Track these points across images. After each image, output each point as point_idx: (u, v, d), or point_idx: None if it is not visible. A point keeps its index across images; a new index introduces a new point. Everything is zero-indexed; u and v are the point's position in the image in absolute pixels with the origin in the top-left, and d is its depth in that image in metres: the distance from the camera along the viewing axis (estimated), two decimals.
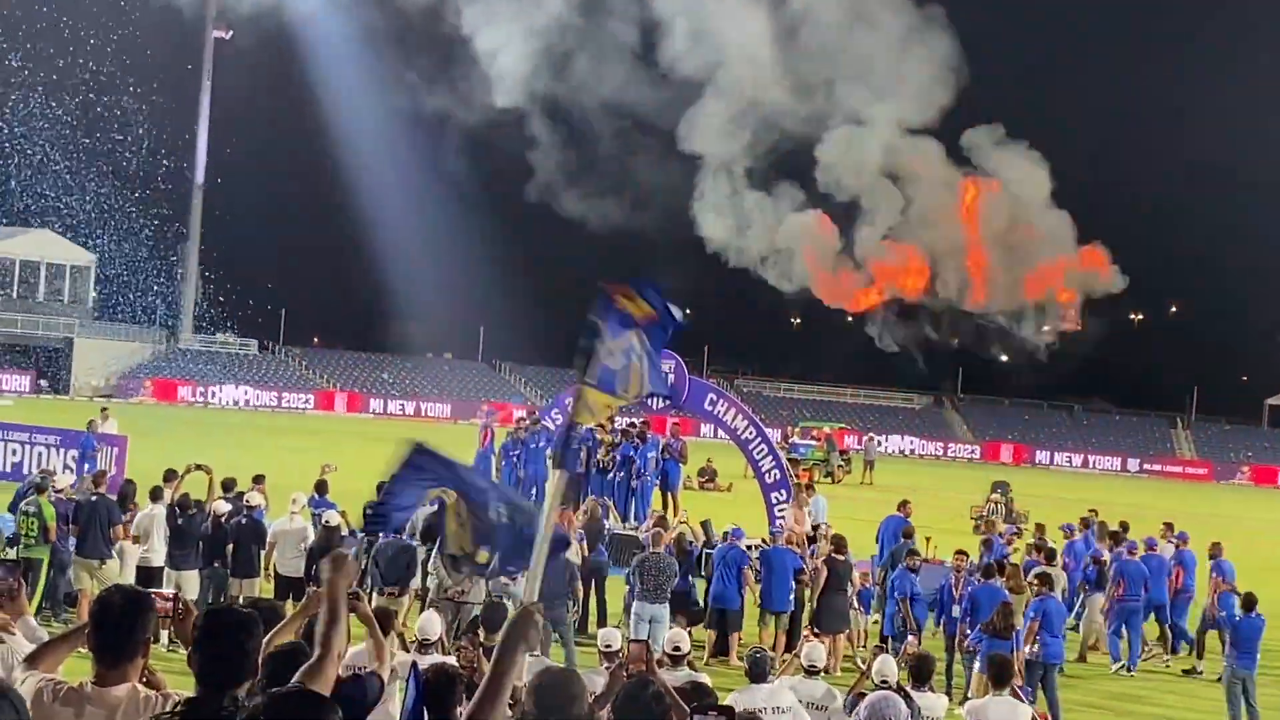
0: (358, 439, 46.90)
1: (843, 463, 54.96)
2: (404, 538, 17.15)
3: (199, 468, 19.05)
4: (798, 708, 11.14)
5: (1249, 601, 17.91)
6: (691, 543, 21.10)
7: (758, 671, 11.41)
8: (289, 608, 13.63)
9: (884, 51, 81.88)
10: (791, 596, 19.28)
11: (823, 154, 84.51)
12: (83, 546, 17.93)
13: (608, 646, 11.67)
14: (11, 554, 17.80)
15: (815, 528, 24.18)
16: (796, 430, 60.64)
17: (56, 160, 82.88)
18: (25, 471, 28.22)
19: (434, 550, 17.60)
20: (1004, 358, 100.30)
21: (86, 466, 28.15)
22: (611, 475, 28.87)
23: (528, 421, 31.89)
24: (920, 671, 12.25)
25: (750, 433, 26.97)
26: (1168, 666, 21.59)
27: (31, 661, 5.58)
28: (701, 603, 19.76)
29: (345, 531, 18.14)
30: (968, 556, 19.44)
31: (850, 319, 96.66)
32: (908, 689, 11.71)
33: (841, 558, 19.29)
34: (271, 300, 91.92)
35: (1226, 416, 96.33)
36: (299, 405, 78.84)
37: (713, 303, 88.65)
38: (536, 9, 77.62)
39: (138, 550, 18.27)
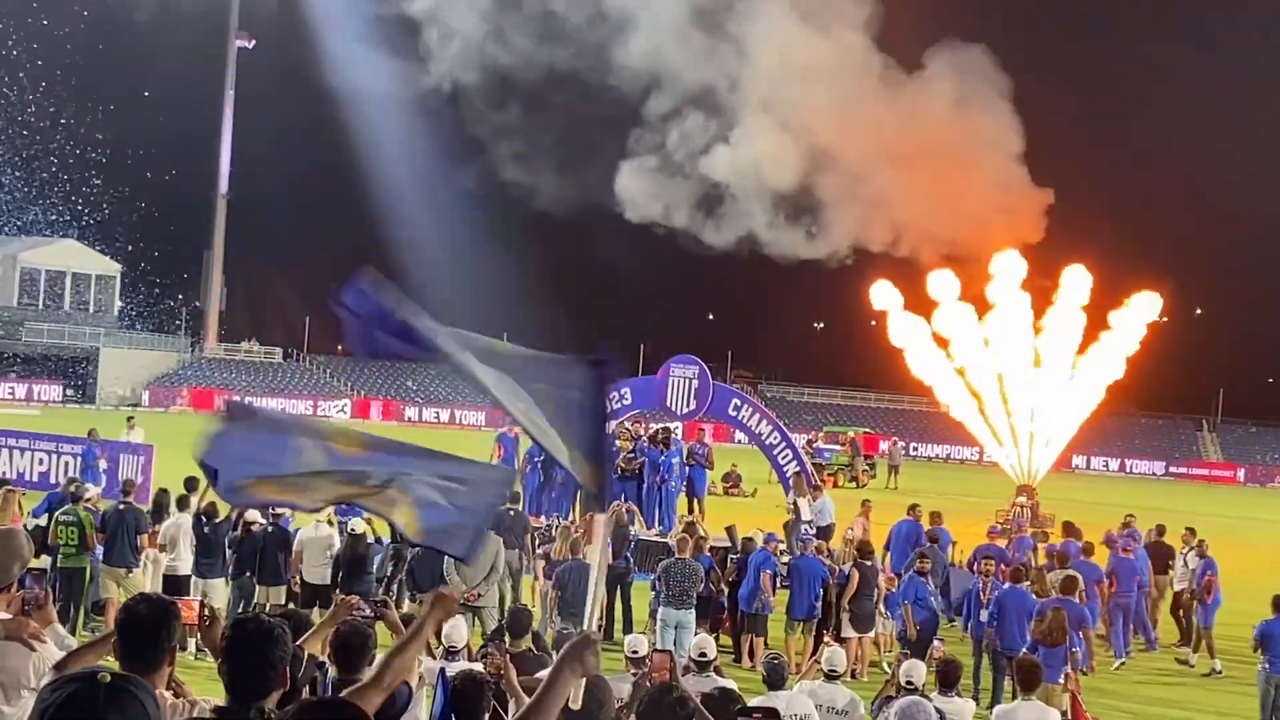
0: None
1: (867, 467, 54.89)
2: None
3: None
4: (814, 716, 11.10)
5: (1278, 603, 17.73)
6: (724, 549, 21.20)
7: (775, 678, 11.39)
8: (316, 616, 13.67)
9: None
10: (818, 604, 19.33)
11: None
12: (110, 555, 17.96)
13: (634, 653, 11.66)
14: (41, 563, 17.83)
15: (825, 528, 24.29)
16: (821, 435, 60.56)
17: (81, 171, 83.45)
18: (52, 481, 28.39)
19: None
20: None
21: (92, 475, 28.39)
22: (636, 481, 28.85)
23: None
24: (948, 676, 12.21)
25: (775, 438, 26.93)
26: (1191, 666, 21.68)
27: (60, 669, 5.60)
28: (727, 608, 19.83)
29: (371, 539, 18.18)
30: (996, 562, 19.55)
31: (874, 323, 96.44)
32: (927, 694, 11.67)
33: (869, 562, 19.40)
34: (295, 308, 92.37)
35: (1253, 418, 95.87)
36: (334, 414, 78.99)
37: (736, 308, 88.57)
38: None
39: (165, 559, 18.32)
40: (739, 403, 28.42)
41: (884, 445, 65.01)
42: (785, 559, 20.55)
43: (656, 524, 27.63)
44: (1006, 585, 17.97)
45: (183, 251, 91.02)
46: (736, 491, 43.36)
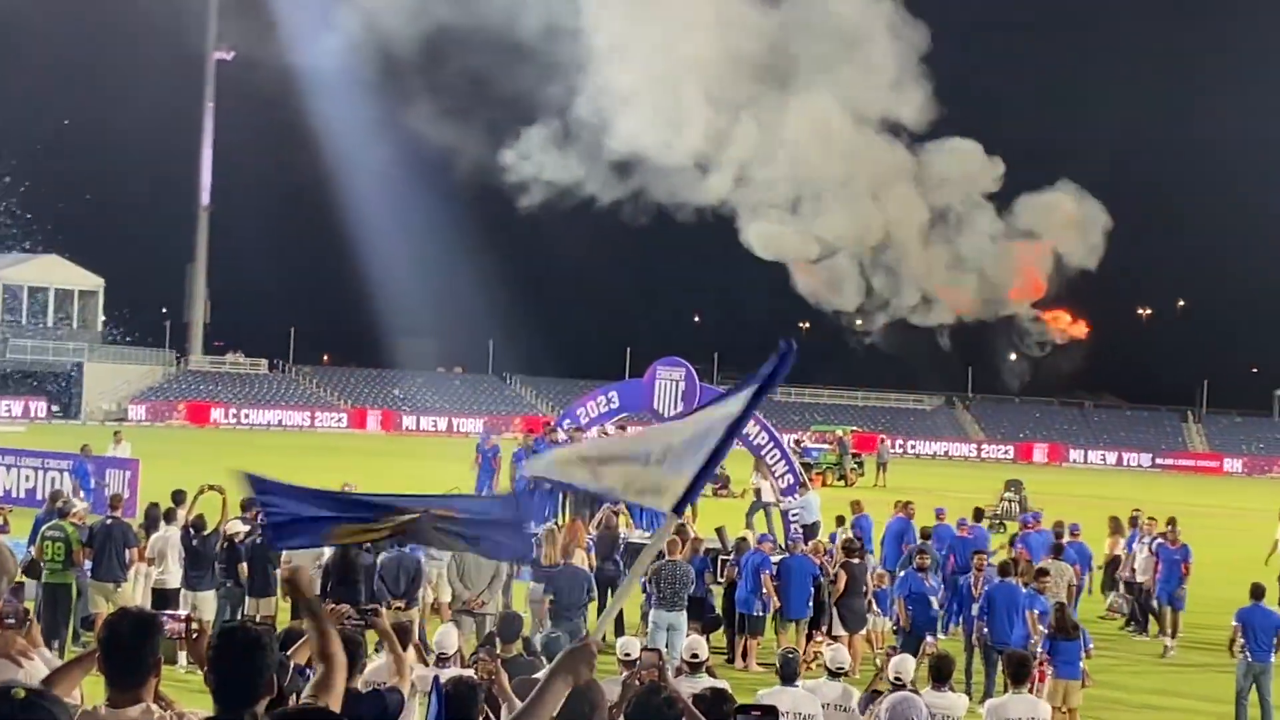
0: (387, 457, 46.90)
1: (855, 465, 55.01)
2: (408, 549, 16.95)
3: (212, 488, 18.86)
4: (819, 716, 11.11)
5: (1257, 591, 17.72)
6: (714, 550, 21.21)
7: (788, 672, 11.43)
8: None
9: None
10: (810, 602, 19.31)
11: None
12: (98, 570, 17.88)
13: (626, 655, 11.64)
14: (28, 580, 17.69)
15: (811, 526, 24.30)
16: (809, 434, 60.61)
17: (62, 185, 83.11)
18: (39, 497, 28.25)
19: (448, 561, 17.59)
20: (1012, 356, 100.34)
21: (83, 492, 28.26)
22: None
23: (542, 430, 31.80)
24: (940, 671, 12.21)
25: (763, 438, 26.91)
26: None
27: (47, 685, 5.56)
28: (719, 609, 19.79)
29: (359, 549, 18.08)
30: (986, 556, 19.55)
31: (859, 323, 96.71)
32: (916, 689, 11.69)
33: (857, 561, 19.38)
34: (279, 319, 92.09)
35: (1237, 408, 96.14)
36: (331, 424, 78.94)
37: (722, 308, 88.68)
38: None
39: (154, 572, 18.24)
40: None
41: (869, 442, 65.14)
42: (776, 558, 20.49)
43: (645, 526, 27.57)
44: (997, 580, 17.99)
45: (166, 264, 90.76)
46: (725, 493, 43.29)
